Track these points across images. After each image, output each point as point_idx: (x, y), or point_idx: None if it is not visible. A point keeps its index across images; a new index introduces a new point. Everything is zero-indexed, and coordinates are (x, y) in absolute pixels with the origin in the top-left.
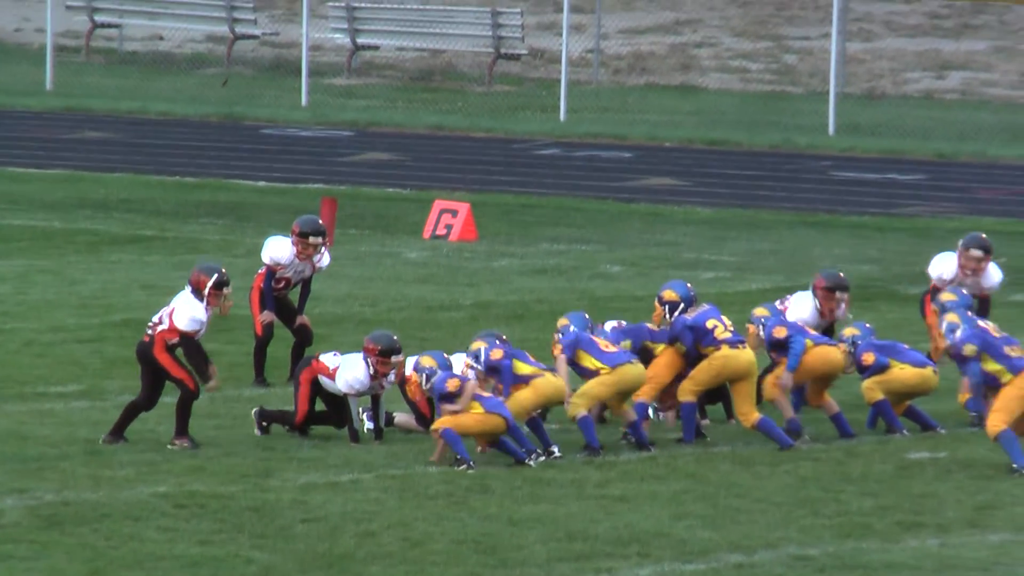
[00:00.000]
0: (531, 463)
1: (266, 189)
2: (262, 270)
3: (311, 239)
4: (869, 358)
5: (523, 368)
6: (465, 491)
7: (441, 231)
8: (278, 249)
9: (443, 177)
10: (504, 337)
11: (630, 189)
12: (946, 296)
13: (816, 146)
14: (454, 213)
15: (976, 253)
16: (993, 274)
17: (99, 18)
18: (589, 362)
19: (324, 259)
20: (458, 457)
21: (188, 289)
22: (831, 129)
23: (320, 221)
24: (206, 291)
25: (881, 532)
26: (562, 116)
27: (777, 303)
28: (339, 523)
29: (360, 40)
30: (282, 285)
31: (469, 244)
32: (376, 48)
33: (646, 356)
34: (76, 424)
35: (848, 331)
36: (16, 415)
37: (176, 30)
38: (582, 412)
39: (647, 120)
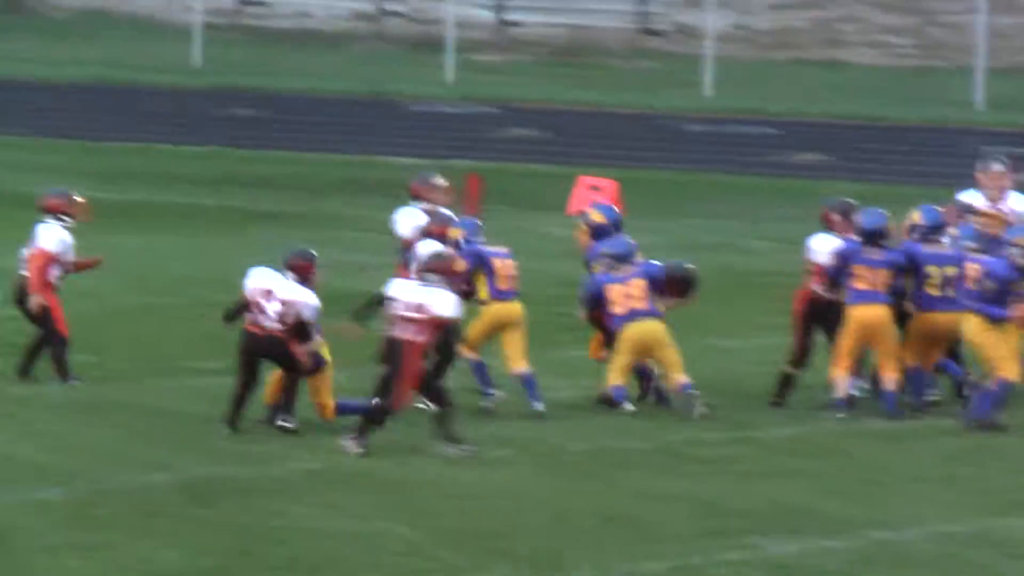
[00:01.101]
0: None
1: (412, 166)
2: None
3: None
4: None
5: None
6: (610, 467)
7: (587, 207)
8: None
9: (588, 153)
10: None
11: (775, 164)
12: None
13: (963, 120)
14: (599, 189)
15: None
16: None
17: None
18: None
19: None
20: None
21: (290, 276)
22: (979, 103)
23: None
24: (315, 278)
25: None
26: (707, 91)
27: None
28: (485, 499)
29: (505, 16)
30: None
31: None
32: (521, 24)
33: None
34: (224, 400)
35: None
36: (165, 391)
37: (323, 7)
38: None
39: (793, 95)
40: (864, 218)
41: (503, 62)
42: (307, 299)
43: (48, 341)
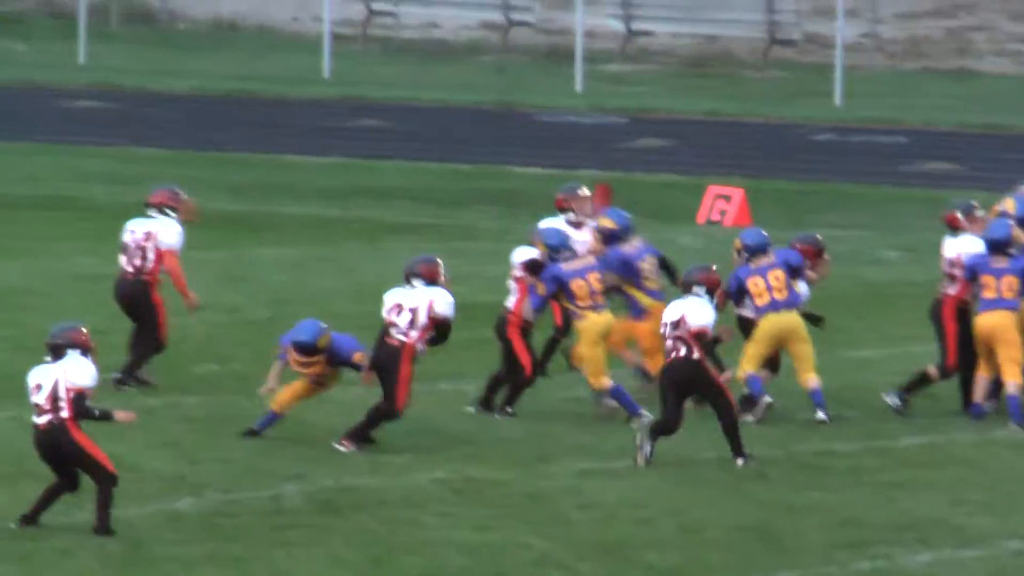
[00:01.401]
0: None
1: (541, 176)
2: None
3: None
4: None
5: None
6: (740, 478)
7: (716, 216)
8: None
9: (717, 163)
10: None
11: (906, 174)
12: None
13: None
14: (728, 199)
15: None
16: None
17: (376, 6)
18: None
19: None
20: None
21: (422, 283)
22: None
23: None
24: (443, 279)
25: None
26: (837, 101)
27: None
28: (615, 510)
29: (634, 26)
30: None
31: (743, 229)
32: (650, 34)
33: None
34: (354, 410)
35: None
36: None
37: (451, 17)
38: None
39: (923, 104)
40: (991, 229)
41: (632, 72)
42: (439, 296)
43: (144, 341)
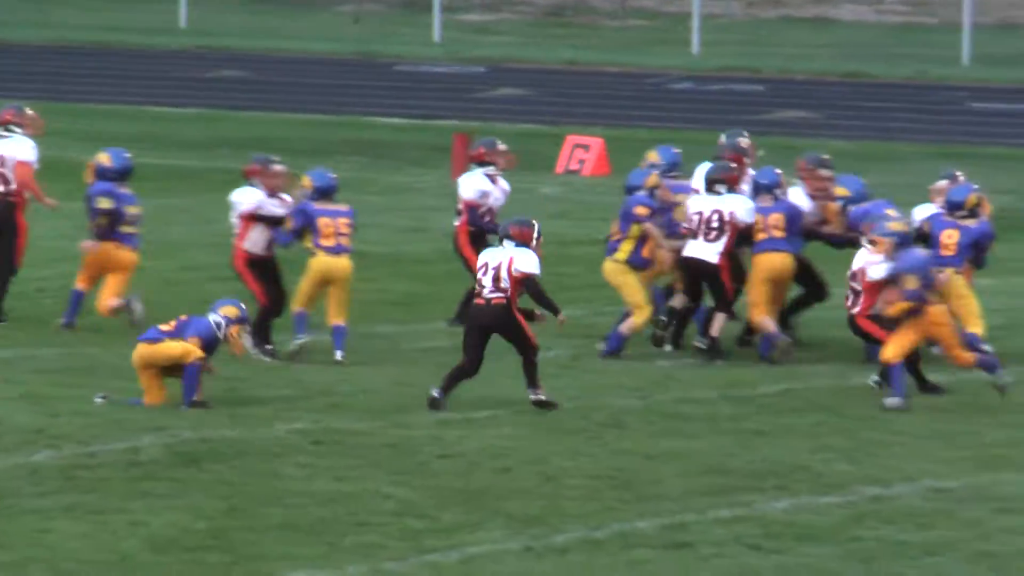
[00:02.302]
0: None
1: (401, 126)
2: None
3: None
4: None
5: None
6: (600, 426)
7: (574, 166)
8: (475, 184)
9: (576, 112)
10: None
11: (764, 123)
12: None
13: (951, 77)
14: (587, 148)
15: (825, 172)
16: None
17: None
18: None
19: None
20: None
21: (512, 244)
22: (966, 59)
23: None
24: (535, 242)
25: (1018, 463)
26: (695, 50)
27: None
28: (476, 459)
29: None
30: (488, 219)
31: (602, 179)
32: None
33: None
34: (213, 362)
35: None
36: None
37: None
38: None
39: (781, 53)
40: (952, 192)
41: (491, 22)
42: (520, 254)
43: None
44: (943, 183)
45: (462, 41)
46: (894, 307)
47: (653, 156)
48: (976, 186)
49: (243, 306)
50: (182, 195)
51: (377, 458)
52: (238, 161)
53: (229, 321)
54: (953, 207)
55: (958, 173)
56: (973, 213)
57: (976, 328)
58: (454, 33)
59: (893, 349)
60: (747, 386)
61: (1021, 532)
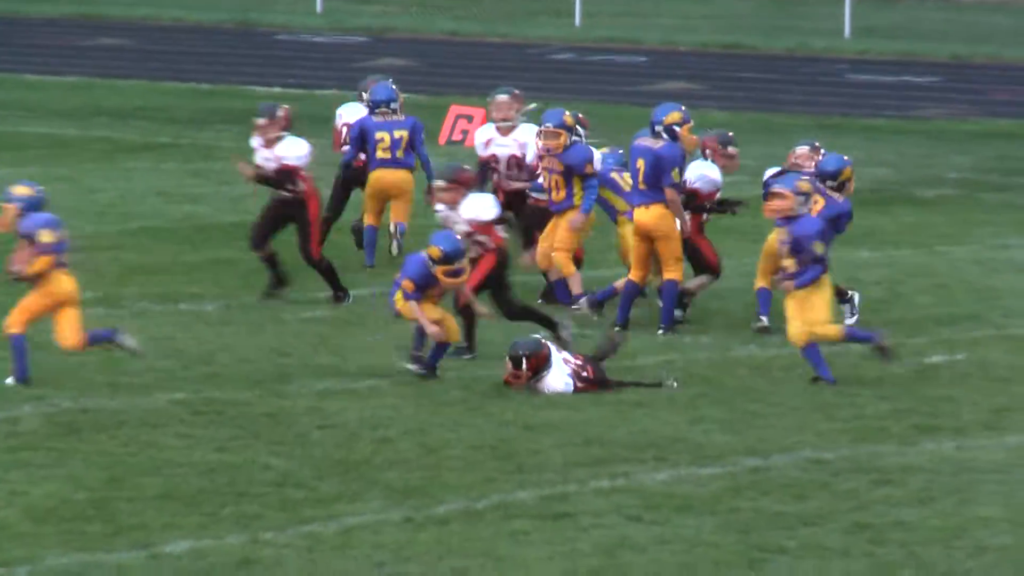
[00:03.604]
0: None
1: (281, 95)
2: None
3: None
4: None
5: None
6: (481, 397)
7: (457, 136)
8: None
9: (458, 83)
10: None
11: (645, 94)
12: None
13: (832, 49)
14: (470, 119)
15: (732, 150)
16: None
17: None
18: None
19: None
20: None
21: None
22: (847, 32)
23: None
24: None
25: (897, 435)
26: (577, 21)
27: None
28: (356, 429)
29: None
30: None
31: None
32: None
33: None
34: (89, 329)
35: None
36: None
37: None
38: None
39: (662, 24)
40: (825, 161)
41: None
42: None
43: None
44: (803, 149)
45: (344, 11)
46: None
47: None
48: (849, 159)
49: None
50: (62, 164)
51: (257, 428)
52: (116, 130)
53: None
54: (825, 176)
55: (817, 144)
56: (842, 187)
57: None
58: (336, 3)
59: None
60: (627, 357)
61: (898, 503)
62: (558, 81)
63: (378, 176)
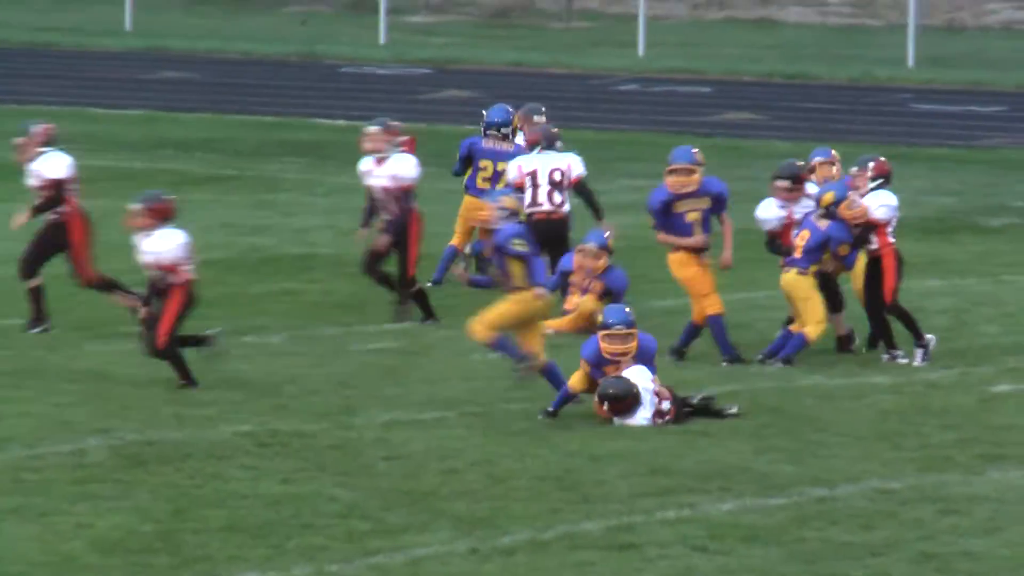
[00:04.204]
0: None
1: (346, 127)
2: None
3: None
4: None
5: None
6: (546, 428)
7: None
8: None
9: None
10: None
11: (709, 124)
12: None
13: (896, 79)
14: None
15: (782, 184)
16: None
17: None
18: None
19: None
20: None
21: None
22: (911, 61)
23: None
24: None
25: (963, 464)
26: (640, 51)
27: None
28: (422, 461)
29: None
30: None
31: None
32: None
33: None
34: (159, 364)
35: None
36: (100, 355)
37: None
38: None
39: (726, 54)
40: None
41: (436, 23)
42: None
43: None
44: (818, 159)
45: (407, 43)
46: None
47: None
48: (842, 182)
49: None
50: (127, 197)
51: (322, 460)
52: (181, 163)
53: None
54: (816, 203)
55: (833, 152)
56: (829, 213)
57: (813, 331)
58: (400, 35)
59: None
60: (693, 387)
61: (964, 533)
62: (622, 112)
63: (471, 203)
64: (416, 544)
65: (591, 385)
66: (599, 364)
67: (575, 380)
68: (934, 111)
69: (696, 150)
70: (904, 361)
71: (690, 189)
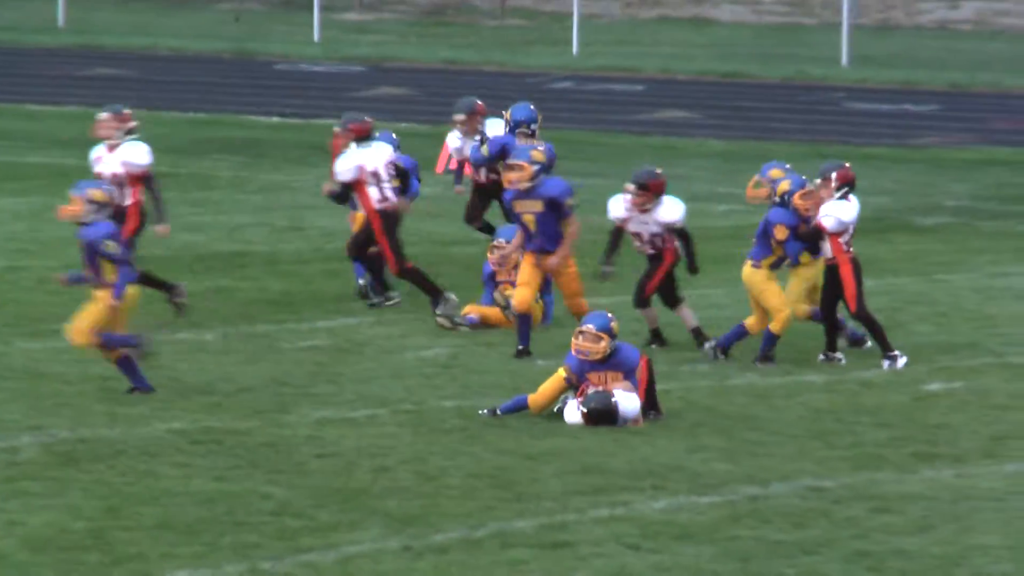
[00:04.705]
0: None
1: (279, 125)
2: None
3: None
4: None
5: None
6: (480, 426)
7: (453, 166)
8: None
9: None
10: None
11: (643, 122)
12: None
13: (830, 77)
14: None
15: (630, 187)
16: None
17: None
18: None
19: None
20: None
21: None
22: (844, 60)
23: None
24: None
25: (896, 463)
26: (575, 49)
27: None
28: (354, 458)
29: None
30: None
31: None
32: None
33: None
34: (90, 361)
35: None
36: (31, 352)
37: None
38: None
39: (660, 53)
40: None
41: (370, 21)
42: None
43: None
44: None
45: (341, 40)
46: None
47: (507, 115)
48: (805, 179)
49: None
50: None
51: (255, 458)
52: None
53: None
54: (773, 194)
55: (788, 165)
56: (782, 202)
57: (775, 324)
58: (333, 32)
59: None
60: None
61: (897, 532)
62: (556, 110)
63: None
64: (348, 542)
65: (558, 393)
66: (582, 372)
67: (545, 387)
68: (868, 110)
69: (540, 148)
70: (842, 364)
71: (521, 187)
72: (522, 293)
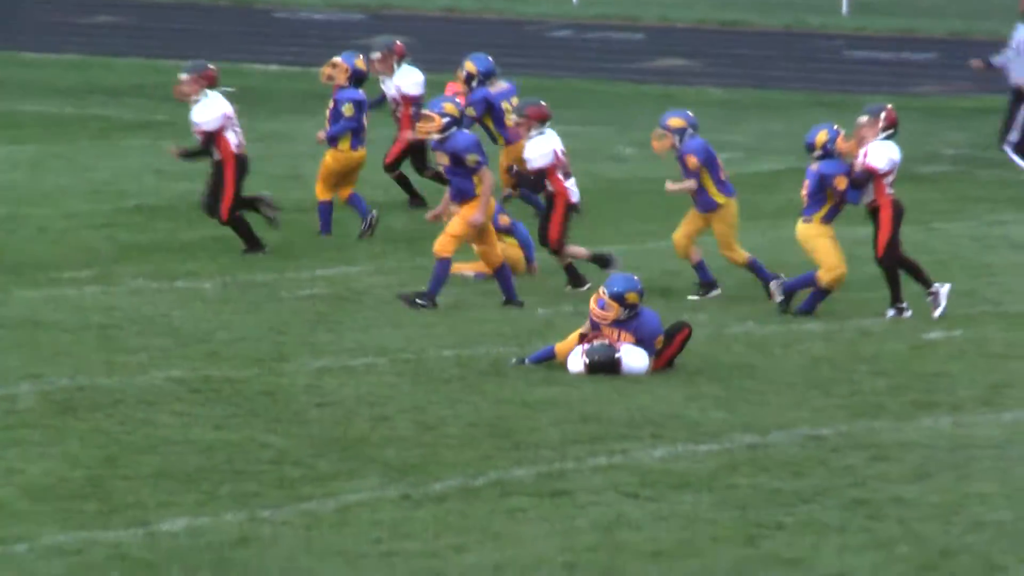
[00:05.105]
0: None
1: (278, 73)
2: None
3: None
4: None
5: None
6: (479, 375)
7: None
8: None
9: (455, 60)
10: None
11: (642, 71)
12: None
13: (829, 26)
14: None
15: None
16: None
17: None
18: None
19: None
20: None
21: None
22: (844, 8)
23: None
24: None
25: (894, 411)
26: None
27: None
28: (353, 407)
29: None
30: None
31: None
32: None
33: None
34: (89, 310)
35: None
36: (29, 301)
37: None
38: None
39: (659, 1)
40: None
41: None
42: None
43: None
44: (863, 118)
45: None
46: None
47: (470, 66)
48: (837, 128)
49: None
50: (58, 142)
51: (254, 407)
52: (112, 108)
53: None
54: (808, 149)
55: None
56: (828, 153)
57: (824, 276)
58: None
59: None
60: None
61: (895, 480)
62: (556, 58)
63: (515, 148)
64: (347, 490)
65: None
66: (596, 325)
67: (572, 337)
68: (867, 58)
69: (456, 100)
70: (908, 315)
71: (432, 139)
72: (441, 240)
